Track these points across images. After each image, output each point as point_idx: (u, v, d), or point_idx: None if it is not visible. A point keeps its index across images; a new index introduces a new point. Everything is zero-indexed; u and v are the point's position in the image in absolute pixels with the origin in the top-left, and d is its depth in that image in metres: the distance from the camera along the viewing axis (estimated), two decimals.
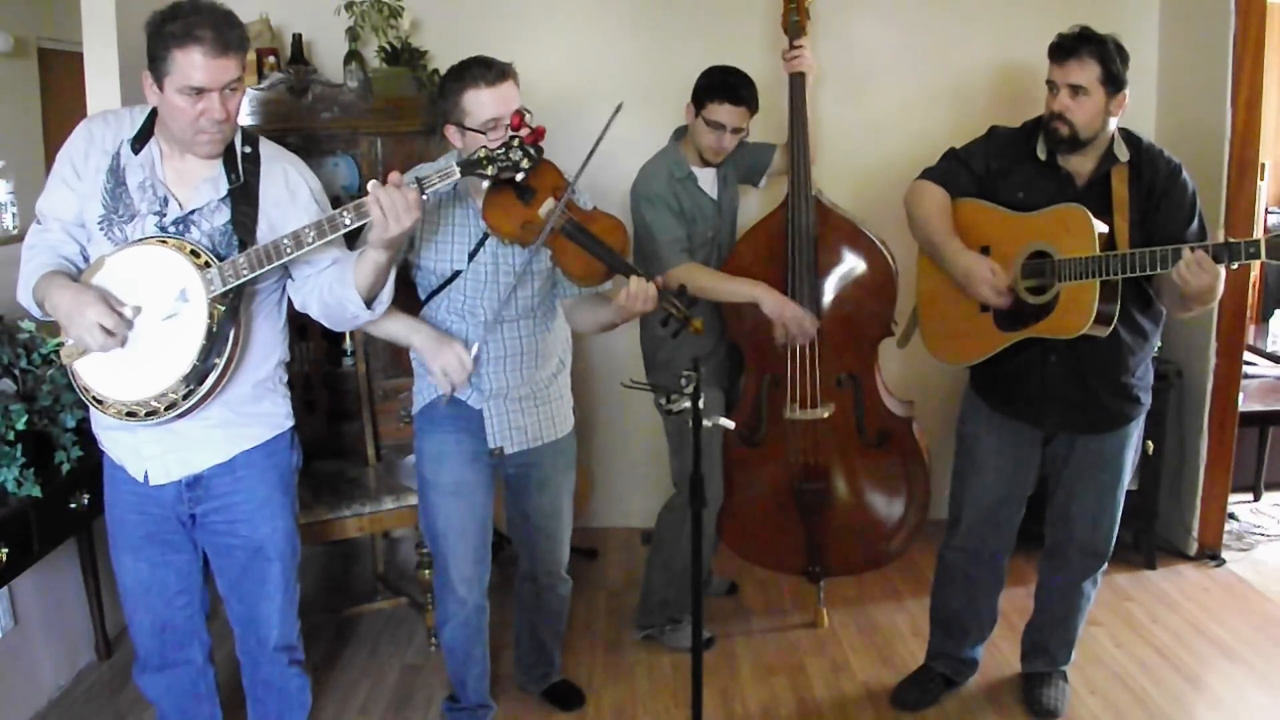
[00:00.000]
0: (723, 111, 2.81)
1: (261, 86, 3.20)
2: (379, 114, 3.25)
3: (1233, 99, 3.40)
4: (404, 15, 3.46)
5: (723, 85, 2.82)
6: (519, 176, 2.05)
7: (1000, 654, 3.03)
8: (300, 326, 3.24)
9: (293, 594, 2.26)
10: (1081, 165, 2.42)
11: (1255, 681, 2.93)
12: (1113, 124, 2.39)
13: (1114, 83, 2.33)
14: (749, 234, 3.00)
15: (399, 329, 2.30)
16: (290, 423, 2.23)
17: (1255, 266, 4.15)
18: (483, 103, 2.18)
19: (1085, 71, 2.32)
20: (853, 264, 2.96)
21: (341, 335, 3.41)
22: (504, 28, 3.72)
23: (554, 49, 3.74)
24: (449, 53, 3.55)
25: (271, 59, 3.41)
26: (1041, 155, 2.44)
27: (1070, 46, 2.35)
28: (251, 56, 3.38)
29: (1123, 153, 2.38)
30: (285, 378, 2.24)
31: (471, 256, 2.33)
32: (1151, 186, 2.36)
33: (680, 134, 2.99)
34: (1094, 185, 2.40)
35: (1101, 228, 2.29)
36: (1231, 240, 2.11)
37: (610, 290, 2.40)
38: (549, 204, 2.18)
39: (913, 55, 3.75)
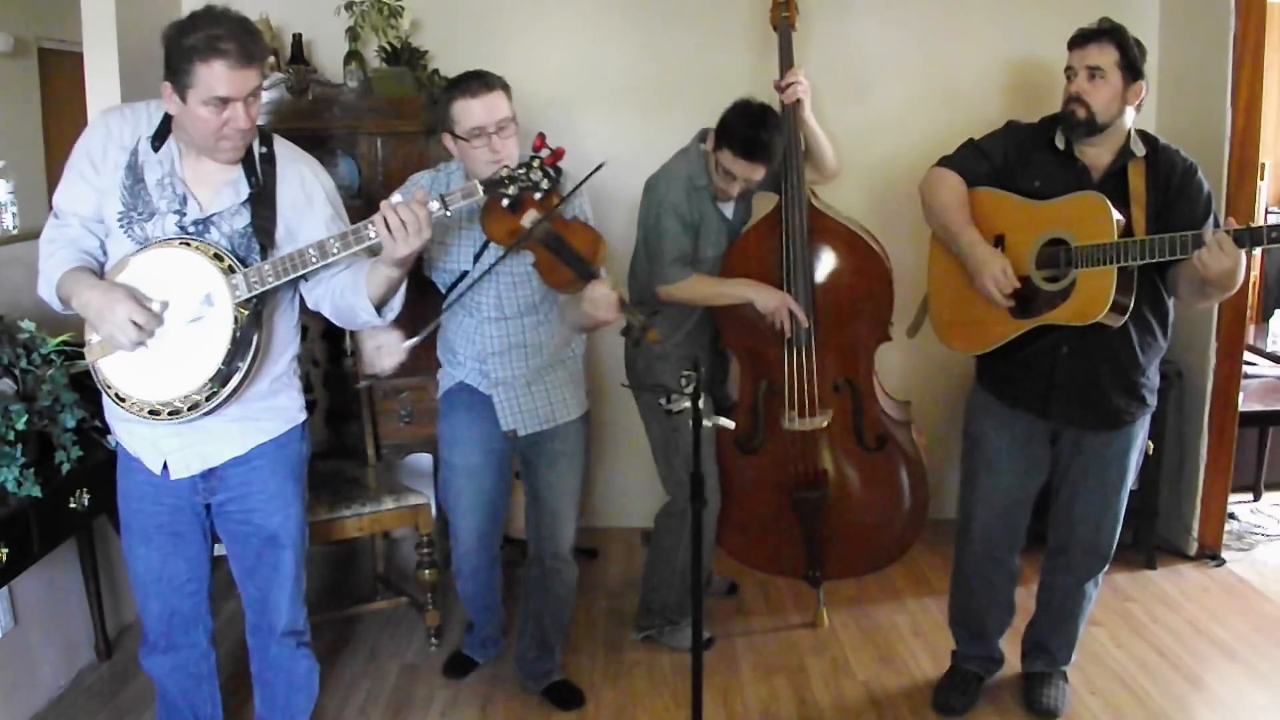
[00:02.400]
0: (737, 166, 2.77)
1: (261, 86, 3.20)
2: (379, 114, 3.25)
3: (1233, 99, 3.40)
4: (404, 15, 3.46)
5: (742, 142, 2.73)
6: (537, 196, 2.11)
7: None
8: (301, 328, 3.24)
9: (301, 580, 2.31)
10: (1099, 157, 2.43)
11: (1255, 681, 2.93)
12: (1129, 116, 2.40)
13: (1131, 70, 2.36)
14: (742, 239, 2.98)
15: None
16: (303, 416, 2.26)
17: (1256, 267, 4.16)
18: (470, 111, 2.33)
19: (1104, 55, 2.36)
20: (848, 267, 2.94)
21: (342, 335, 3.42)
22: (503, 28, 3.72)
23: (553, 49, 3.74)
24: (449, 53, 3.60)
25: (271, 59, 3.41)
26: (1060, 145, 2.46)
27: (1090, 33, 2.41)
28: None
29: (1139, 149, 2.41)
30: (298, 370, 2.28)
31: (476, 258, 2.48)
32: (1168, 182, 2.38)
33: (705, 135, 2.92)
34: (1111, 178, 2.41)
35: (1119, 217, 2.30)
36: (1253, 224, 2.12)
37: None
38: (532, 215, 2.29)
39: (913, 55, 3.75)
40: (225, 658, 2.39)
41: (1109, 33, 2.38)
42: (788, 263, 2.90)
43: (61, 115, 4.41)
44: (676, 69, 3.49)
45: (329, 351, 3.35)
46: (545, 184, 2.07)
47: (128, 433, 2.14)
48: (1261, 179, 3.99)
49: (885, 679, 2.98)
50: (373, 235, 1.97)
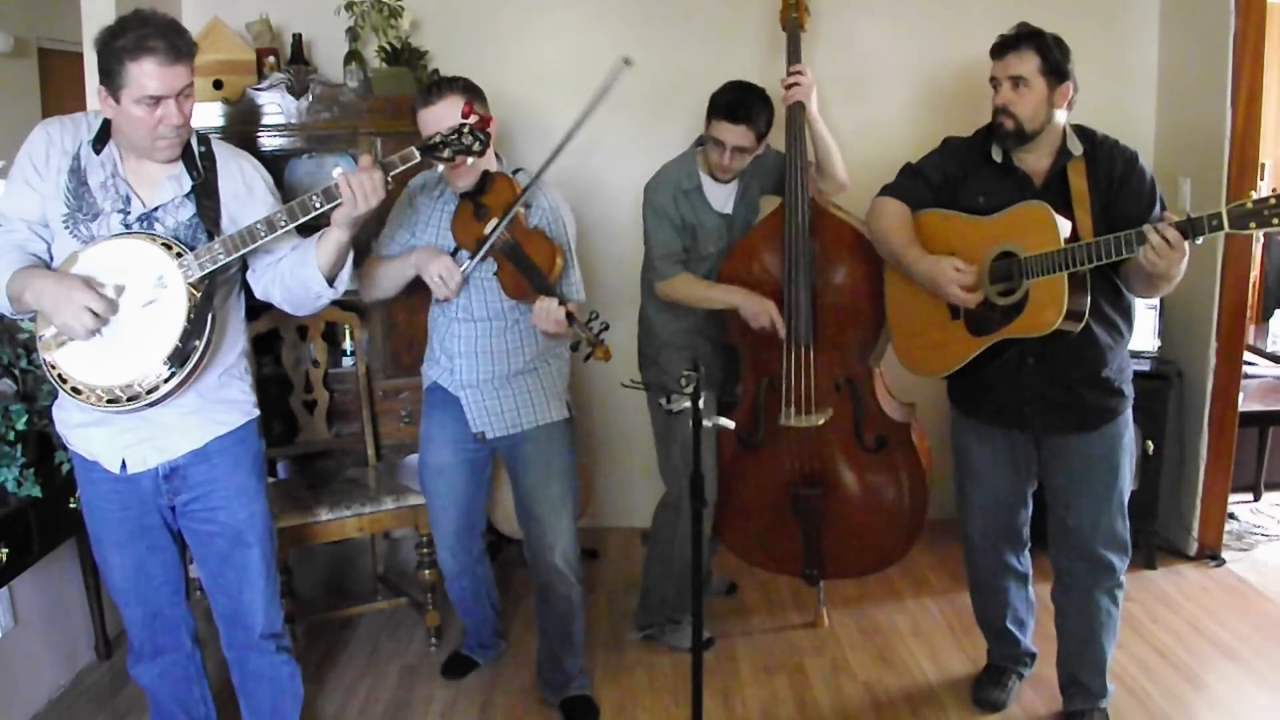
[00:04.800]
0: (722, 129, 2.80)
1: (261, 86, 3.20)
2: (379, 114, 3.25)
3: (1233, 99, 3.39)
4: (404, 15, 3.46)
5: (725, 104, 2.79)
6: (469, 160, 2.25)
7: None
8: (301, 328, 3.26)
9: (274, 581, 2.30)
10: (1037, 163, 2.43)
11: (1255, 681, 2.93)
12: (1060, 117, 2.40)
13: (1055, 74, 2.36)
14: (746, 237, 2.98)
15: (396, 263, 2.55)
16: (257, 411, 2.29)
17: (1256, 267, 4.16)
18: (425, 122, 2.45)
19: (1024, 63, 2.36)
20: (850, 266, 2.93)
21: (342, 335, 3.42)
22: (503, 28, 3.72)
23: (554, 49, 3.73)
24: (449, 53, 3.60)
25: (271, 59, 3.41)
26: (997, 157, 2.46)
27: (1009, 41, 2.41)
28: (251, 56, 3.38)
29: (1076, 147, 2.40)
30: (248, 367, 2.31)
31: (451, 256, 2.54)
32: (1110, 177, 2.37)
33: (700, 140, 2.96)
34: (1052, 182, 2.41)
35: (1064, 223, 2.29)
36: (1194, 215, 2.10)
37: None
38: (492, 223, 2.44)
39: (913, 55, 3.75)
40: (215, 660, 2.38)
41: (1027, 38, 2.37)
42: (789, 261, 2.90)
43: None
44: (681, 70, 3.48)
45: (329, 351, 3.35)
46: (476, 146, 2.18)
47: (82, 438, 2.15)
48: (1261, 179, 3.99)
49: (885, 679, 2.98)
50: (318, 205, 2.03)
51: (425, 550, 3.12)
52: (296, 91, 3.20)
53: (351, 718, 2.85)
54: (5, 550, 2.29)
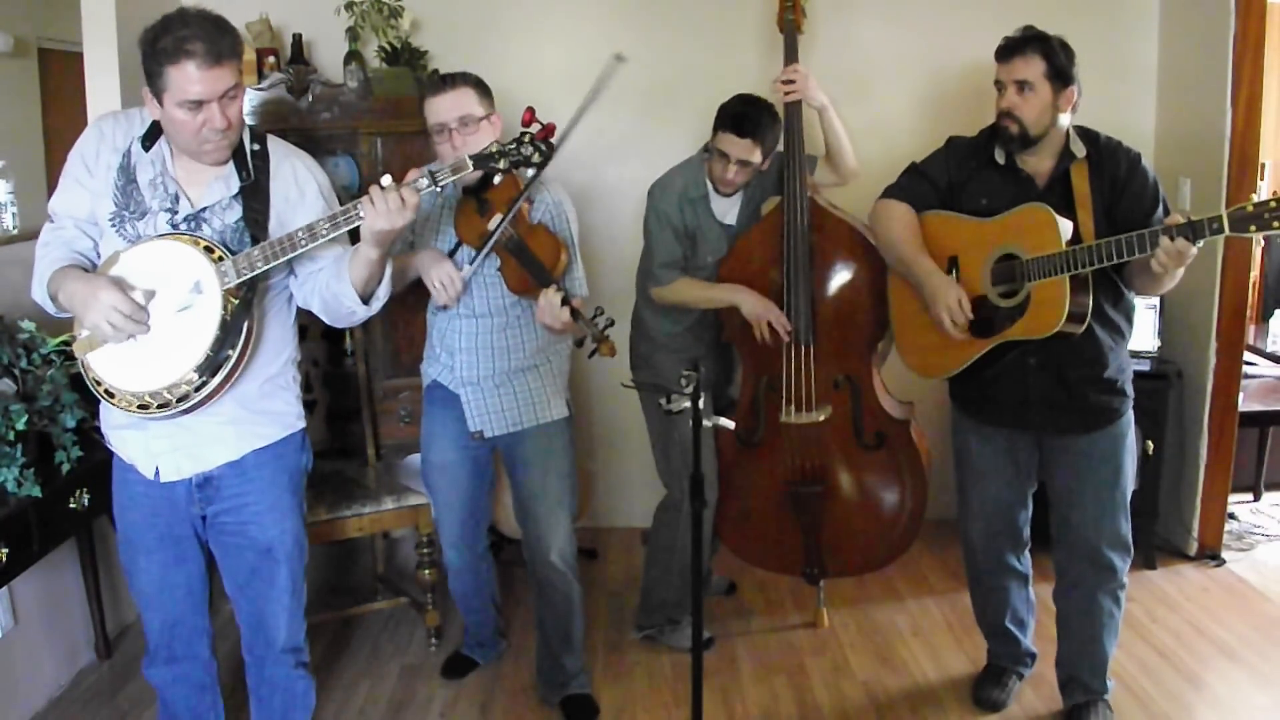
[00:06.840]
0: (727, 141, 2.78)
1: (261, 86, 3.20)
2: (379, 114, 3.25)
3: (1233, 99, 3.40)
4: (404, 15, 3.47)
5: (731, 115, 2.78)
6: (530, 172, 2.15)
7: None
8: (300, 326, 3.25)
9: (300, 596, 2.26)
10: (1040, 165, 2.43)
11: (1255, 681, 2.93)
12: (1064, 120, 2.40)
13: (1060, 78, 2.36)
14: (745, 237, 2.98)
15: (397, 261, 2.45)
16: (302, 424, 2.23)
17: (1256, 267, 4.16)
18: (432, 110, 2.44)
19: (1030, 67, 2.36)
20: (849, 264, 2.94)
21: (341, 335, 3.42)
22: (503, 28, 3.72)
23: (554, 50, 3.74)
24: (449, 53, 3.60)
25: (271, 59, 3.42)
26: (1000, 159, 2.46)
27: (1014, 45, 2.40)
28: (251, 56, 3.39)
29: (1079, 149, 2.40)
30: (298, 377, 2.24)
31: (451, 254, 2.53)
32: (1113, 179, 2.38)
33: (708, 147, 2.93)
34: (1055, 184, 2.41)
35: (1065, 224, 2.30)
36: (1194, 219, 2.10)
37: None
38: (496, 218, 2.42)
39: (913, 55, 3.75)
40: (225, 662, 2.37)
41: (1033, 42, 2.37)
42: (788, 260, 2.90)
43: (61, 115, 4.41)
44: (680, 71, 3.48)
45: (329, 351, 3.35)
46: (536, 158, 2.05)
47: (120, 440, 2.13)
48: (1261, 179, 4.00)
49: (885, 679, 2.98)
50: (362, 215, 1.96)
51: (425, 550, 3.12)
52: (296, 91, 3.20)
53: (351, 718, 2.85)
54: (5, 550, 2.29)
